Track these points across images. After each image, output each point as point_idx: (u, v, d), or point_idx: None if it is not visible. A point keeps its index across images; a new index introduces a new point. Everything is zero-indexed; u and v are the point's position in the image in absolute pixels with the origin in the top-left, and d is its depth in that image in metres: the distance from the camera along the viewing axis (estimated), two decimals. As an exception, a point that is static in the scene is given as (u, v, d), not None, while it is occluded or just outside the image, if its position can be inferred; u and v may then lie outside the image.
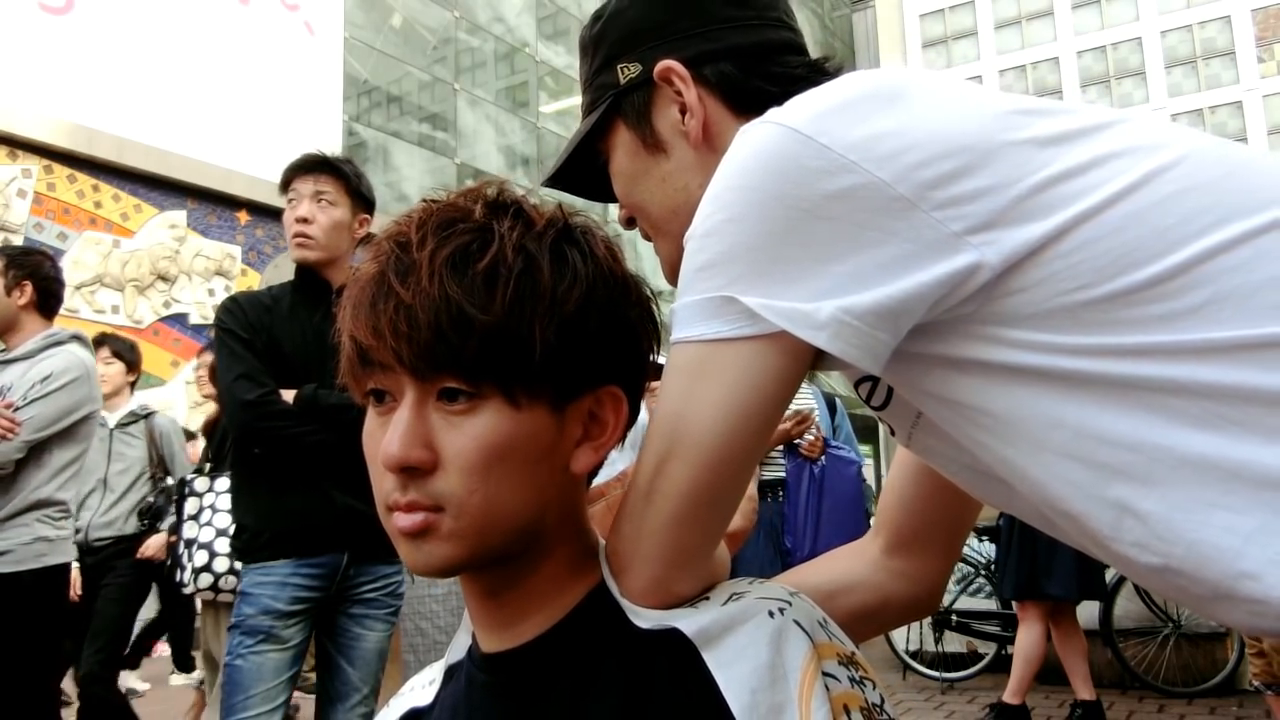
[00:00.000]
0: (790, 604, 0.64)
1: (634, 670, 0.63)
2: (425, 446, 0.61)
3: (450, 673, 0.75)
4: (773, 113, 0.69)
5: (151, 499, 4.27)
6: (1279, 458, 0.60)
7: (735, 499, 0.70)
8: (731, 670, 0.60)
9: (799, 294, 0.64)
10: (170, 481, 4.31)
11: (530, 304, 0.61)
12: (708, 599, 0.67)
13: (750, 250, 0.66)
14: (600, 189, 0.94)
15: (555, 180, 0.94)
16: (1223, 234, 0.62)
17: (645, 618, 0.66)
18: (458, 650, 0.76)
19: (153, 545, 4.16)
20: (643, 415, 0.77)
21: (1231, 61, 31.02)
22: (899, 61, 34.22)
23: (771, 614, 0.63)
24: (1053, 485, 0.67)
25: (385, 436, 0.62)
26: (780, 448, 3.72)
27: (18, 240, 8.24)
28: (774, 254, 0.65)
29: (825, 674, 0.61)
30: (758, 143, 0.67)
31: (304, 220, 2.35)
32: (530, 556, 0.67)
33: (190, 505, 3.48)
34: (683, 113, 0.85)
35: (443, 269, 0.61)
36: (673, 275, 0.85)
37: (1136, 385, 0.63)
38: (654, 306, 0.71)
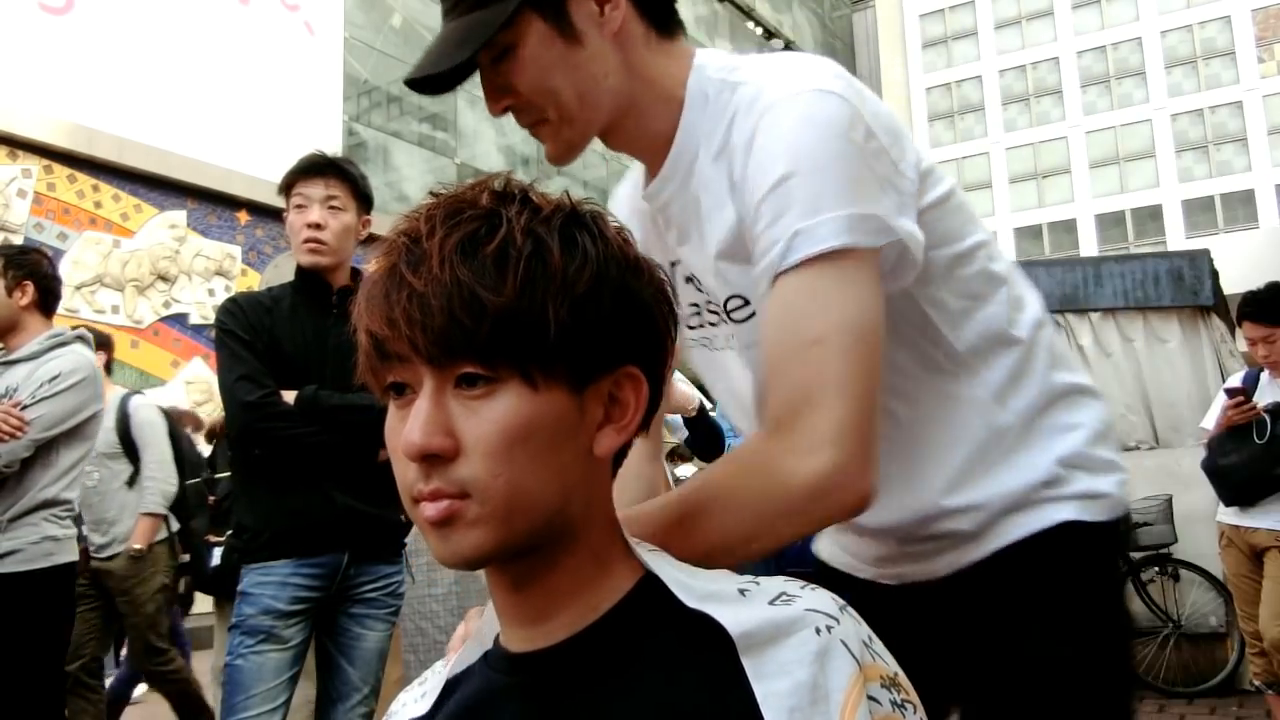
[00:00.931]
0: (838, 621, 0.63)
1: (672, 671, 0.63)
2: (446, 433, 0.61)
3: (457, 681, 0.74)
4: (816, 81, 0.88)
5: None
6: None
7: None
8: (771, 684, 0.60)
9: (895, 215, 0.88)
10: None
11: (541, 284, 0.61)
12: (758, 584, 0.66)
13: (857, 182, 0.85)
14: (448, 81, 0.94)
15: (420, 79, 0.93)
16: (972, 239, 1.02)
17: (692, 593, 0.65)
18: (467, 658, 0.74)
19: None
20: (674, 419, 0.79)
21: (1231, 61, 31.01)
22: (899, 61, 34.22)
23: (818, 630, 0.62)
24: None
25: (406, 427, 0.62)
26: None
27: (18, 240, 8.23)
28: (867, 187, 0.86)
29: (869, 697, 0.61)
30: (832, 108, 0.86)
31: (317, 226, 2.35)
32: (558, 546, 0.66)
33: None
34: (601, 5, 0.92)
35: (453, 255, 0.61)
36: (563, 155, 0.99)
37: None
38: (668, 289, 0.71)
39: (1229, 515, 3.76)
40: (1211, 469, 3.74)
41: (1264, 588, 3.57)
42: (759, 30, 27.31)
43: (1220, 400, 3.88)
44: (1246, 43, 30.80)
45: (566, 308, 0.62)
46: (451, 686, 0.74)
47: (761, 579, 0.68)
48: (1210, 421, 3.92)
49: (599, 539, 0.69)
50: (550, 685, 0.66)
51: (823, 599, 0.65)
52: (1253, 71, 30.56)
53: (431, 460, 0.61)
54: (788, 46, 28.50)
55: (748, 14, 26.62)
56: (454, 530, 0.62)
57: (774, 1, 27.97)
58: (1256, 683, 3.82)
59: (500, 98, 0.94)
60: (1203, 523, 4.97)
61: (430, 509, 0.62)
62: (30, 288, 2.84)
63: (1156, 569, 5.18)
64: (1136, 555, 5.16)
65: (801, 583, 0.67)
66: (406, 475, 0.63)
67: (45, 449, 2.74)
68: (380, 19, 14.89)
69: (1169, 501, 5.12)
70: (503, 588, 0.68)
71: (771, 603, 0.64)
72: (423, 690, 0.75)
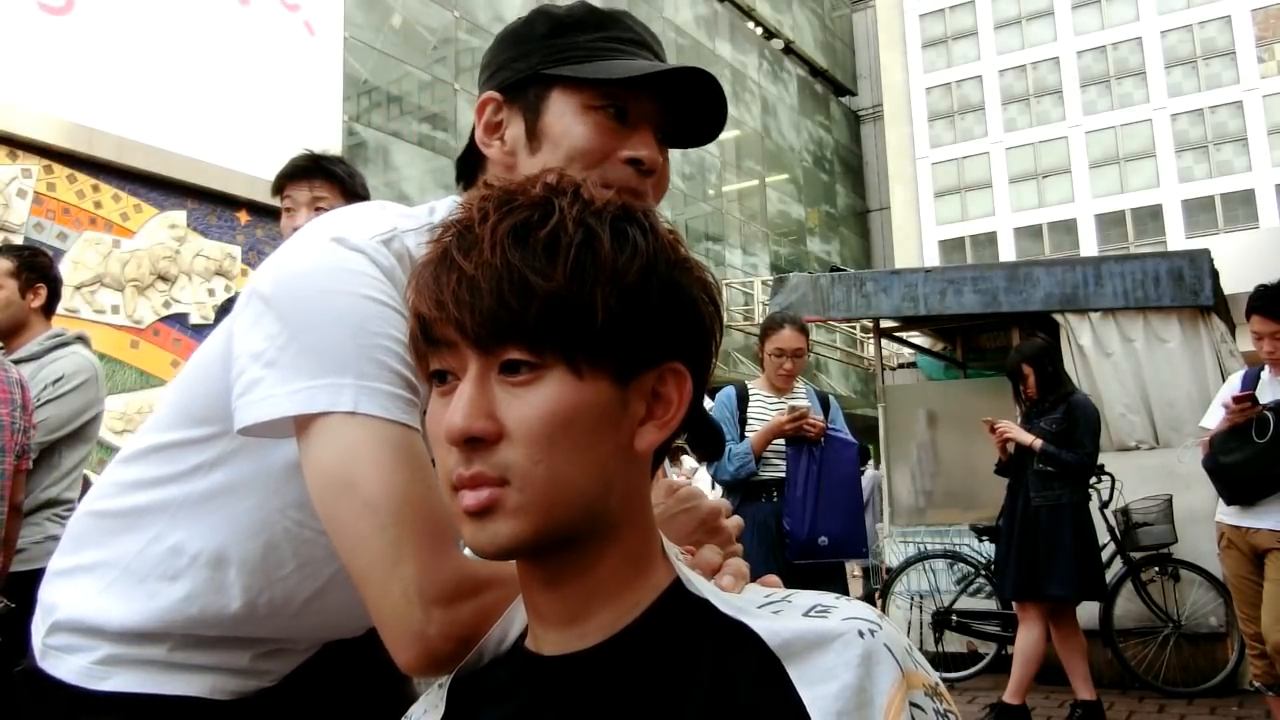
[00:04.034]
0: (880, 627, 0.62)
1: (715, 677, 0.62)
2: (488, 417, 0.61)
3: (471, 682, 0.72)
4: None
5: None
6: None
7: None
8: (818, 689, 0.59)
9: None
10: None
11: (591, 272, 0.61)
12: (789, 602, 0.65)
13: None
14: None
15: None
16: None
17: (726, 604, 0.65)
18: (478, 657, 0.73)
19: None
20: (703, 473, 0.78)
21: (1231, 61, 30.99)
22: (899, 61, 34.22)
23: (861, 634, 0.61)
24: None
25: (448, 411, 0.62)
26: (780, 444, 3.71)
27: (17, 240, 8.23)
28: None
29: (913, 704, 0.60)
30: None
31: None
32: (595, 542, 0.65)
33: None
34: None
35: (504, 239, 0.61)
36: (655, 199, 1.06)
37: None
38: (715, 292, 0.71)
39: (1229, 515, 3.75)
40: (1213, 467, 3.73)
41: (1265, 590, 3.56)
42: (759, 30, 27.30)
43: (1219, 400, 3.88)
44: (1246, 43, 30.79)
45: (615, 297, 0.62)
46: (465, 687, 0.72)
47: (793, 595, 0.67)
48: (1210, 421, 3.91)
49: (636, 538, 0.68)
50: (592, 691, 0.64)
51: (862, 608, 0.64)
52: (1253, 71, 30.54)
53: (473, 444, 0.61)
54: (788, 46, 28.49)
55: (748, 14, 26.60)
56: (492, 520, 0.62)
57: (774, 1, 27.95)
58: (1256, 683, 3.82)
59: (656, 151, 0.98)
60: (1203, 523, 4.98)
61: (470, 498, 0.62)
62: (43, 290, 2.88)
63: (1156, 569, 5.19)
64: (1136, 555, 5.16)
65: (835, 595, 0.66)
66: (447, 461, 0.63)
67: (49, 450, 2.75)
68: (380, 19, 14.90)
69: (1169, 501, 5.12)
70: (537, 584, 0.67)
71: (806, 614, 0.63)
72: (442, 693, 0.73)
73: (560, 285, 0.60)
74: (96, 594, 0.98)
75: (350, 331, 0.81)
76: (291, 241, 0.92)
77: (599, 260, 0.62)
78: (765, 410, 3.80)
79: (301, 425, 0.81)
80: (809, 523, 3.59)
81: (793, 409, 3.71)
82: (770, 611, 0.64)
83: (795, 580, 0.76)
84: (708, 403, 3.72)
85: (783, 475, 3.71)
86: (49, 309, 2.93)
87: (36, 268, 2.88)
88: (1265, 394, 3.69)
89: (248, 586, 0.97)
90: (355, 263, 0.85)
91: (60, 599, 1.00)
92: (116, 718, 0.97)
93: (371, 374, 0.80)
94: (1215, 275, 5.69)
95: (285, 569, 0.98)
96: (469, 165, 1.04)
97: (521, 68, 0.97)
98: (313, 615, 1.02)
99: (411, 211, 0.96)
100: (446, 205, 1.00)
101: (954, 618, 5.47)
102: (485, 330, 0.61)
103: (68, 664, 0.97)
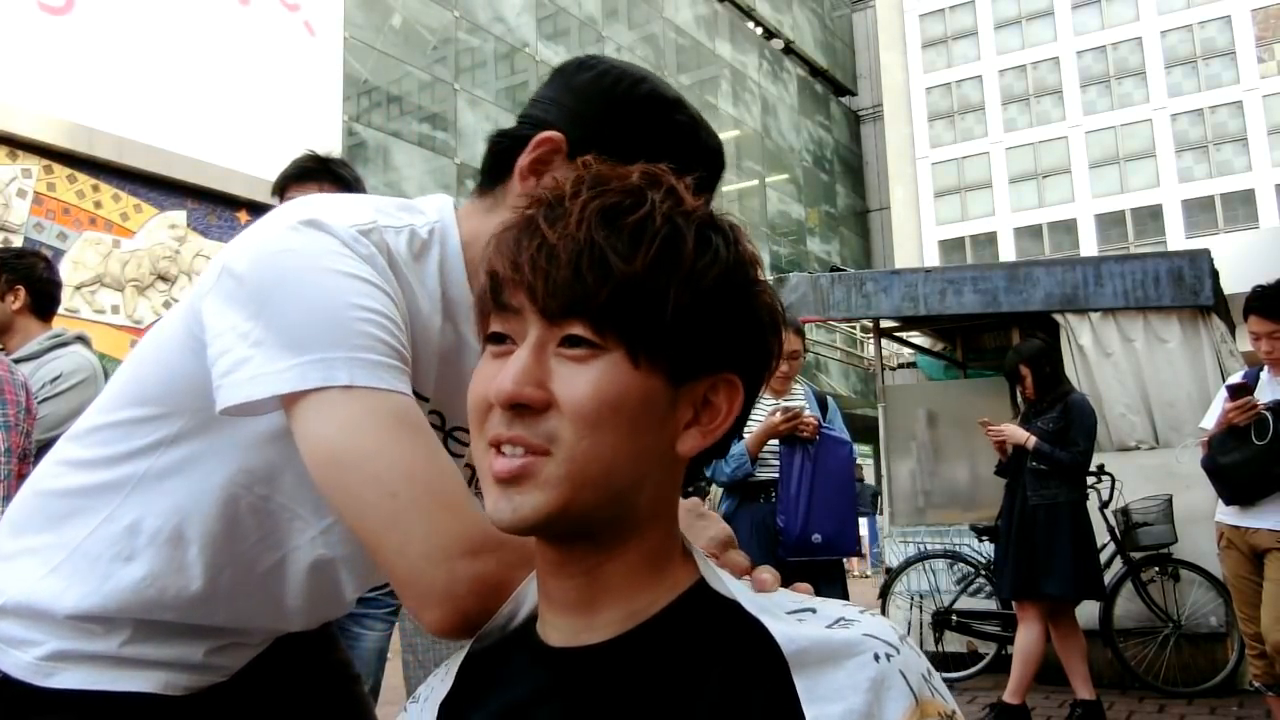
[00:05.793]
0: (898, 651, 0.61)
1: (726, 681, 0.61)
2: (539, 385, 0.61)
3: (481, 660, 0.72)
4: None
5: None
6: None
7: None
8: (824, 708, 0.58)
9: None
10: None
11: (670, 267, 0.62)
12: (814, 611, 0.65)
13: None
14: None
15: None
16: None
17: (754, 604, 0.64)
18: (493, 632, 0.73)
19: None
20: None
21: (1231, 61, 30.98)
22: (899, 61, 34.22)
23: (878, 657, 0.60)
24: None
25: (500, 373, 0.62)
26: (775, 444, 3.72)
27: (18, 240, 8.23)
28: None
29: None
30: None
31: None
32: (616, 535, 0.65)
33: None
34: None
35: (592, 216, 0.62)
36: None
37: None
38: (780, 318, 0.71)
39: (1228, 515, 3.75)
40: (1212, 467, 3.73)
41: (1265, 590, 3.56)
42: (759, 30, 27.29)
43: (1220, 400, 3.87)
44: (1246, 43, 30.78)
45: (688, 296, 0.62)
46: (476, 663, 0.72)
47: (821, 604, 0.66)
48: (1210, 421, 3.91)
49: (658, 539, 0.68)
50: (601, 686, 0.64)
51: (882, 626, 0.63)
52: (1253, 71, 30.53)
53: (518, 410, 0.61)
54: (788, 46, 28.49)
55: (748, 14, 26.60)
56: (520, 488, 0.62)
57: (774, 1, 27.95)
58: (1256, 683, 3.82)
59: None
60: (1203, 523, 4.98)
61: (502, 464, 0.62)
62: (22, 292, 2.83)
63: (1156, 569, 5.19)
64: (1136, 555, 5.16)
65: (861, 606, 0.66)
66: (487, 421, 0.63)
67: (45, 448, 2.73)
68: (380, 19, 14.90)
69: (1169, 501, 5.12)
70: (551, 568, 0.67)
71: (829, 626, 0.62)
72: (450, 671, 0.73)
73: (638, 272, 0.61)
74: (42, 576, 0.95)
75: (336, 305, 0.81)
76: (263, 222, 0.90)
77: (680, 257, 0.62)
78: (761, 411, 3.80)
79: (292, 402, 0.80)
80: (802, 521, 3.60)
81: (786, 409, 3.72)
82: (795, 619, 0.64)
83: (791, 578, 0.74)
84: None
85: (776, 476, 3.72)
86: (41, 310, 2.89)
87: (16, 269, 2.83)
88: (1264, 394, 3.68)
89: (210, 563, 0.95)
90: (330, 244, 0.84)
91: (5, 583, 0.96)
92: (66, 718, 0.93)
93: (362, 345, 0.80)
94: (1215, 275, 5.69)
95: (247, 541, 0.96)
96: (493, 175, 1.03)
97: (607, 136, 0.94)
98: (270, 588, 1.00)
99: (390, 209, 0.95)
100: (436, 207, 1.00)
101: (954, 618, 5.47)
102: (555, 300, 0.61)
103: (12, 658, 0.94)
